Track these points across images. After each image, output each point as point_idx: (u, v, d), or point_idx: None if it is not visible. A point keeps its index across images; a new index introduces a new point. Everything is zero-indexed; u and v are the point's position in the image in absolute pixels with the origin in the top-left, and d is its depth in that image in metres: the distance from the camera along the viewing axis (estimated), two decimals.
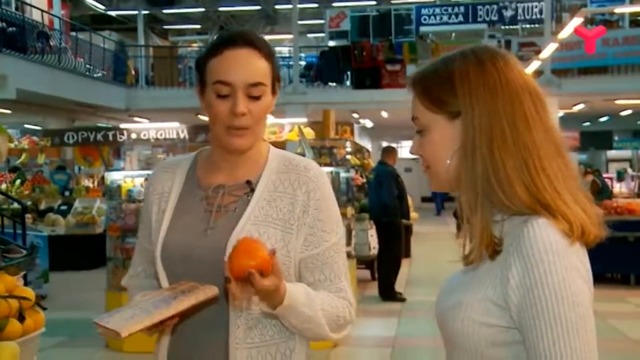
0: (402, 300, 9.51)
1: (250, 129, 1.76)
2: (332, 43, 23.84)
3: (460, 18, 22.45)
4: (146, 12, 24.75)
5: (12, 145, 13.70)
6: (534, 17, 22.23)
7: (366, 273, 11.02)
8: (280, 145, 10.52)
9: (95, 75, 18.98)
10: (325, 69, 20.86)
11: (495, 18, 22.40)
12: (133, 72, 21.62)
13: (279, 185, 1.80)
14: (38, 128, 18.37)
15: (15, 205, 11.17)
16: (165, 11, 26.06)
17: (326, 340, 1.84)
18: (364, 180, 12.23)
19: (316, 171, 1.83)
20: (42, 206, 14.58)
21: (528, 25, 23.07)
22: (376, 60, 19.89)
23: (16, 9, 16.68)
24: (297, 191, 1.79)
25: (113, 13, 25.30)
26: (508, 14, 22.29)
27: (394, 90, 18.55)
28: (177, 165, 1.92)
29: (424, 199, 29.86)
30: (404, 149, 22.40)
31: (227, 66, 1.73)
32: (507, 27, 22.97)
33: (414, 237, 14.41)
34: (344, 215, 8.97)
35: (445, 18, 22.60)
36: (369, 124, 26.06)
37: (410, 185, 12.71)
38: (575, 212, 1.30)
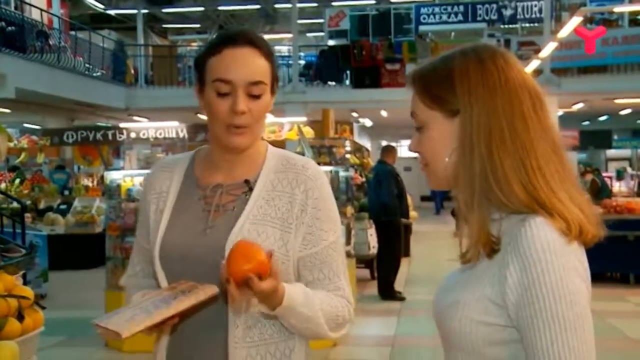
0: (402, 299, 9.51)
1: (250, 127, 1.76)
2: (331, 42, 23.84)
3: (460, 17, 22.46)
4: (145, 11, 24.74)
5: (11, 144, 13.69)
6: (533, 16, 22.24)
7: (365, 272, 11.02)
8: (280, 144, 10.52)
9: (94, 74, 18.98)
10: (325, 68, 20.86)
11: (494, 17, 22.40)
12: (132, 72, 21.61)
13: (277, 184, 1.80)
14: (37, 127, 18.37)
15: (15, 204, 11.17)
16: (164, 10, 26.05)
17: (325, 339, 1.84)
18: (364, 179, 12.23)
19: (314, 170, 1.83)
20: (42, 205, 14.58)
21: (527, 25, 23.07)
22: (375, 60, 19.89)
23: (15, 8, 16.68)
24: (296, 190, 1.79)
25: (112, 12, 25.30)
26: (507, 13, 22.30)
27: (393, 90, 18.54)
28: (175, 164, 1.92)
29: (424, 198, 29.85)
30: (404, 148, 22.38)
31: (227, 64, 1.73)
32: (506, 26, 22.97)
33: (413, 236, 14.41)
34: (343, 214, 8.97)
35: (444, 17, 22.61)
36: (368, 123, 26.05)
37: (409, 184, 12.71)
38: (572, 211, 1.30)
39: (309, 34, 28.41)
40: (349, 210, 9.54)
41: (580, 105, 21.46)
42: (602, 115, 26.39)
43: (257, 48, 1.77)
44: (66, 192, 15.02)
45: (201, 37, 28.78)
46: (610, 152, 30.28)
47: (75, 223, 13.43)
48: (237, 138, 1.75)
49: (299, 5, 20.99)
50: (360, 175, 12.27)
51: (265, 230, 1.74)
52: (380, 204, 9.68)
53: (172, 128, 13.52)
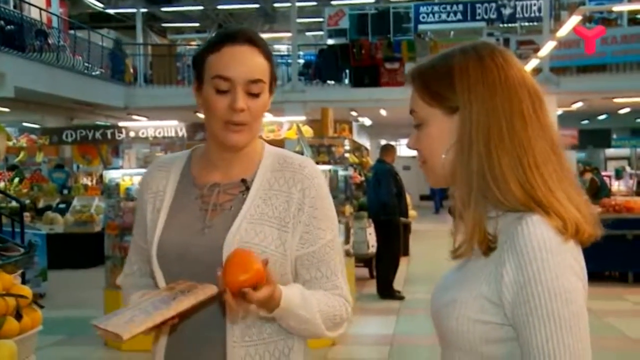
0: (401, 298, 9.51)
1: (248, 125, 1.76)
2: (330, 41, 23.84)
3: (459, 16, 22.46)
4: (145, 10, 24.73)
5: (10, 143, 13.69)
6: (532, 15, 22.25)
7: (365, 271, 11.02)
8: (279, 143, 10.52)
9: (93, 73, 18.98)
10: (324, 67, 20.86)
11: (493, 16, 22.42)
12: (132, 71, 21.61)
13: (274, 183, 1.80)
14: (36, 126, 18.37)
15: (14, 203, 11.17)
16: (163, 9, 26.04)
17: (322, 338, 1.84)
18: (363, 178, 12.23)
19: (311, 169, 1.83)
20: (41, 204, 14.58)
21: (526, 24, 23.07)
22: (375, 59, 19.89)
23: (14, 7, 16.67)
24: (293, 189, 1.78)
25: (111, 11, 25.29)
26: (507, 12, 22.30)
27: (392, 89, 18.55)
28: (172, 163, 1.92)
29: (423, 197, 29.88)
30: (403, 147, 22.40)
31: (227, 62, 1.73)
32: (505, 25, 22.97)
33: (412, 235, 14.42)
34: (342, 213, 8.98)
35: (443, 16, 22.61)
36: (367, 122, 26.05)
37: (408, 183, 12.71)
38: (569, 210, 1.30)
39: (308, 33, 28.41)
40: (348, 209, 9.55)
41: (579, 104, 21.47)
42: (601, 114, 26.41)
43: (257, 47, 1.77)
44: (65, 191, 15.02)
45: (200, 36, 28.78)
46: (609, 151, 30.33)
47: (74, 222, 13.43)
48: (235, 136, 1.75)
49: (298, 4, 20.99)
50: (360, 174, 12.27)
51: (262, 230, 1.74)
52: (380, 203, 9.68)
53: (171, 127, 13.53)
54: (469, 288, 1.33)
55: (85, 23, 22.39)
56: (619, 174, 23.13)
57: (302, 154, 7.16)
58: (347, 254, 8.79)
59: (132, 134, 13.72)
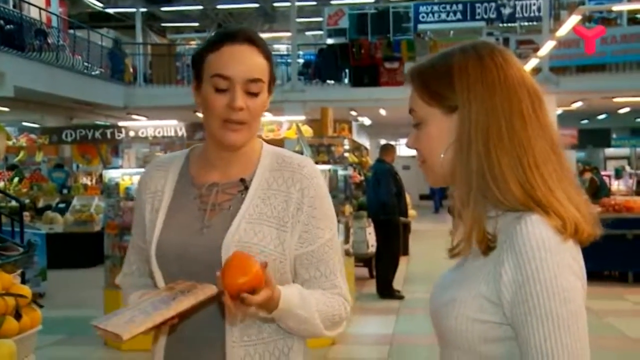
0: (400, 297, 9.51)
1: (246, 124, 1.75)
2: (330, 41, 23.83)
3: (459, 16, 22.46)
4: (144, 9, 24.73)
5: (10, 143, 13.70)
6: (532, 14, 22.24)
7: (364, 271, 11.02)
8: (279, 143, 10.51)
9: (93, 73, 18.97)
10: (324, 66, 20.86)
11: (493, 16, 22.41)
12: (131, 70, 21.61)
13: (273, 182, 1.80)
14: (36, 126, 18.37)
15: (13, 203, 11.16)
16: (163, 9, 26.04)
17: (321, 338, 1.84)
18: (362, 178, 12.23)
19: (310, 168, 1.83)
20: (40, 204, 14.58)
21: (526, 23, 23.06)
22: (374, 58, 19.89)
23: (14, 6, 16.67)
24: (291, 189, 1.78)
25: (111, 10, 25.28)
26: (506, 11, 22.30)
27: (392, 88, 18.54)
28: (170, 163, 1.91)
29: (422, 197, 29.88)
30: (402, 147, 22.41)
31: (226, 60, 1.73)
32: (505, 24, 22.96)
33: (412, 234, 14.41)
34: (342, 213, 8.97)
35: (443, 16, 22.61)
36: (367, 121, 26.05)
37: (408, 183, 12.70)
38: (569, 209, 1.30)
39: (307, 33, 28.42)
40: (348, 208, 9.55)
41: (579, 104, 21.47)
42: (601, 113, 26.41)
43: (256, 46, 1.77)
44: (65, 191, 15.02)
45: (200, 36, 28.78)
46: (609, 151, 30.33)
47: (74, 222, 13.43)
48: (233, 135, 1.75)
49: (297, 3, 20.99)
50: (359, 174, 12.27)
51: (261, 230, 1.74)
52: (379, 203, 9.68)
53: (171, 127, 13.54)
54: (468, 287, 1.33)
55: (84, 22, 22.39)
56: (618, 174, 23.13)
57: (301, 153, 7.15)
58: (347, 253, 8.79)
59: (131, 133, 13.72)
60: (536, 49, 16.82)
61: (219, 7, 26.04)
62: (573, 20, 11.90)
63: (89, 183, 16.00)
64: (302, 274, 1.80)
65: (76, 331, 7.80)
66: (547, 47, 14.59)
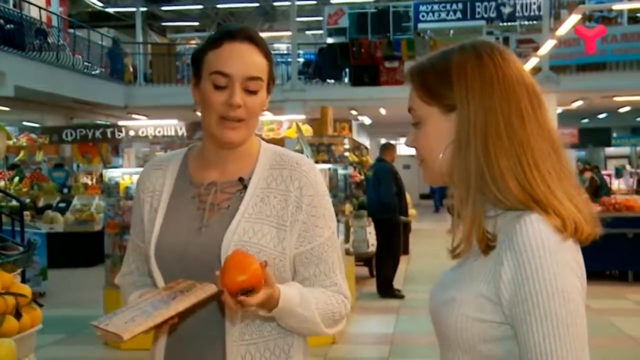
0: (401, 297, 9.51)
1: (244, 122, 1.75)
2: (330, 40, 23.84)
3: (459, 15, 22.45)
4: (144, 9, 24.73)
5: (10, 142, 13.70)
6: (532, 13, 22.23)
7: (364, 270, 11.02)
8: (279, 142, 10.52)
9: (93, 72, 18.97)
10: (324, 66, 20.87)
11: (493, 15, 22.41)
12: (131, 70, 21.61)
13: (272, 181, 1.80)
14: (36, 125, 18.37)
15: (14, 202, 11.17)
16: (163, 8, 26.04)
17: (321, 336, 1.84)
18: (362, 177, 12.22)
19: (308, 166, 1.83)
20: (41, 203, 14.58)
21: (526, 22, 23.06)
22: (374, 57, 19.90)
23: (14, 6, 16.66)
24: (290, 187, 1.78)
25: (111, 10, 25.28)
26: (506, 10, 22.29)
27: (392, 87, 18.55)
28: (168, 162, 1.91)
29: (423, 196, 29.90)
30: (403, 146, 22.35)
31: (226, 58, 1.73)
32: (505, 23, 22.96)
33: (412, 234, 14.42)
34: (342, 212, 8.98)
35: (443, 15, 22.60)
36: (367, 120, 26.06)
37: (408, 182, 12.71)
38: (568, 209, 1.30)
39: (307, 32, 28.41)
40: (348, 208, 9.55)
41: (579, 103, 21.48)
42: (601, 112, 26.42)
43: (256, 45, 1.77)
44: (65, 190, 15.02)
45: (200, 35, 28.79)
46: (610, 150, 30.32)
47: (75, 221, 13.43)
48: (230, 132, 1.75)
49: (297, 3, 20.99)
50: (359, 173, 12.27)
51: (260, 229, 1.73)
52: (380, 202, 9.68)
53: (171, 126, 13.54)
54: (467, 286, 1.33)
55: (84, 22, 22.38)
56: (619, 173, 23.12)
57: (301, 152, 7.16)
58: (347, 252, 8.79)
59: (131, 132, 13.73)
60: (536, 48, 16.82)
61: (219, 6, 26.04)
62: (573, 19, 11.90)
63: (89, 182, 16.00)
64: (302, 272, 1.80)
65: (76, 331, 7.81)
66: (547, 46, 14.59)
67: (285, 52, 22.73)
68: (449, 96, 1.37)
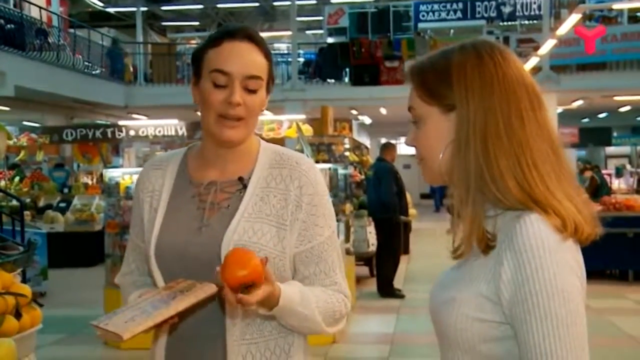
0: (401, 296, 9.51)
1: (243, 120, 1.75)
2: (330, 40, 23.84)
3: (459, 14, 22.45)
4: (145, 8, 24.73)
5: (10, 142, 13.70)
6: (532, 13, 22.22)
7: (365, 270, 11.02)
8: (279, 142, 10.51)
9: (93, 72, 18.98)
10: (324, 65, 20.87)
11: (493, 14, 22.40)
12: (131, 69, 21.61)
13: (271, 181, 1.80)
14: (37, 125, 18.37)
15: (14, 202, 11.17)
16: (163, 8, 26.04)
17: (322, 334, 1.84)
18: (363, 176, 12.22)
19: (308, 165, 1.83)
20: (41, 203, 14.58)
21: (526, 22, 23.05)
22: (375, 57, 19.89)
23: (14, 6, 16.66)
24: (290, 186, 1.78)
25: (111, 10, 25.28)
26: (506, 10, 22.29)
27: (392, 87, 18.55)
28: (167, 162, 1.91)
29: (423, 196, 29.89)
30: (403, 146, 22.34)
31: (226, 56, 1.73)
32: (505, 23, 22.96)
33: (412, 233, 14.42)
34: (342, 212, 8.97)
35: (443, 14, 22.60)
36: (367, 120, 26.05)
37: (409, 181, 12.70)
38: (568, 208, 1.30)
39: (308, 32, 28.40)
40: (348, 207, 9.55)
41: (579, 103, 21.47)
42: (602, 112, 26.41)
43: (256, 44, 1.77)
44: (65, 190, 15.02)
45: (200, 35, 28.78)
46: (610, 150, 30.29)
47: (75, 221, 13.43)
48: (230, 131, 1.75)
49: (298, 2, 20.99)
50: (360, 173, 12.27)
51: (260, 228, 1.73)
52: (380, 202, 9.68)
53: (171, 126, 13.54)
54: (467, 286, 1.33)
55: (85, 22, 22.39)
56: (619, 172, 23.10)
57: (302, 152, 7.14)
58: (347, 252, 8.79)
59: (132, 132, 13.73)
60: (536, 48, 16.81)
61: (219, 6, 26.04)
62: (573, 18, 11.90)
63: (89, 182, 16.00)
64: (302, 270, 1.80)
65: (76, 330, 7.81)
66: (547, 45, 14.58)
67: (286, 51, 22.73)
68: (449, 96, 1.37)
